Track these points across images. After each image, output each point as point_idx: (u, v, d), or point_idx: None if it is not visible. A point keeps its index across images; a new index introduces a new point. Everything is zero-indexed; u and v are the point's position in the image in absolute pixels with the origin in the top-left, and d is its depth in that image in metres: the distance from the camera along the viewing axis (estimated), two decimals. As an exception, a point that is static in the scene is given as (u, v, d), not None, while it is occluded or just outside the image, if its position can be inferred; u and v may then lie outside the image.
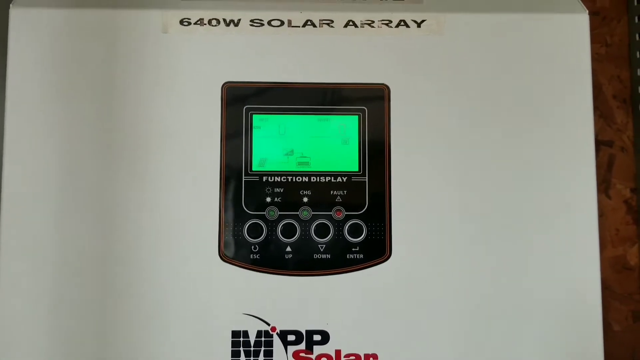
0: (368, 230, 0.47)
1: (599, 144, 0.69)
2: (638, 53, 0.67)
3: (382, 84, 0.48)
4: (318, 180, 0.47)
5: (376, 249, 0.47)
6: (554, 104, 0.49)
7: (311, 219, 0.47)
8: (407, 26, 0.49)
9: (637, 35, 0.68)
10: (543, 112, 0.49)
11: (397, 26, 0.49)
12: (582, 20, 0.50)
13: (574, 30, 0.50)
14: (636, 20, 0.68)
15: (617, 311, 0.67)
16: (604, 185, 0.68)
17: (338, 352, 0.46)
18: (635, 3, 0.68)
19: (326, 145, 0.48)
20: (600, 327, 0.49)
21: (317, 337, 0.46)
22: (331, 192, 0.47)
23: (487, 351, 0.46)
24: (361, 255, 0.47)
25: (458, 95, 0.49)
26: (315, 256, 0.47)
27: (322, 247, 0.47)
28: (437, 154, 0.48)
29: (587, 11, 0.50)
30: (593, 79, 0.69)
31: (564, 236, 0.48)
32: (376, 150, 0.48)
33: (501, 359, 0.46)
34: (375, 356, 0.46)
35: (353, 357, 0.46)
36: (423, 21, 0.49)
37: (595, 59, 0.69)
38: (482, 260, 0.47)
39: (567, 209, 0.48)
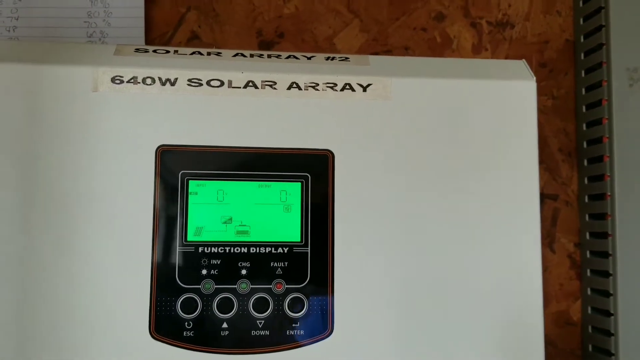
0: (310, 305, 0.46)
1: (544, 197, 0.70)
2: (584, 107, 0.68)
3: (326, 149, 0.47)
4: (258, 250, 0.46)
5: (318, 324, 0.45)
6: (501, 168, 0.49)
7: (250, 292, 0.45)
8: (353, 90, 0.48)
9: (583, 90, 0.69)
10: (490, 177, 0.48)
11: (342, 90, 0.48)
12: (529, 88, 0.50)
13: (521, 97, 0.50)
14: (583, 74, 0.69)
15: (561, 367, 0.67)
16: (548, 240, 0.69)
17: None
18: (582, 57, 0.69)
19: (267, 213, 0.46)
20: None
21: (254, 419, 0.44)
22: (271, 264, 0.46)
23: None
24: (302, 332, 0.45)
25: (404, 161, 0.48)
26: (254, 333, 0.45)
27: (260, 322, 0.45)
28: (383, 222, 0.47)
29: (535, 78, 0.51)
30: (539, 132, 0.70)
31: (510, 296, 0.48)
32: (319, 219, 0.46)
33: None
34: None
35: None
36: (369, 85, 0.48)
37: (542, 111, 0.70)
38: (432, 333, 0.46)
39: (513, 270, 0.48)
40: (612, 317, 0.62)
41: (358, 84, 0.48)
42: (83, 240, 0.44)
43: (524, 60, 0.53)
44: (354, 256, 0.46)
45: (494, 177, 0.49)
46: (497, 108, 0.49)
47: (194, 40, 0.67)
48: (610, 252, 0.62)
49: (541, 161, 0.69)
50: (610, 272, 0.62)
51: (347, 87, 0.48)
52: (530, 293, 0.48)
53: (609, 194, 0.63)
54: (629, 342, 0.61)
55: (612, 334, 0.62)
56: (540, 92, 0.71)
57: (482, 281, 0.47)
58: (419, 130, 0.48)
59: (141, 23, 0.62)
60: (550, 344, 0.67)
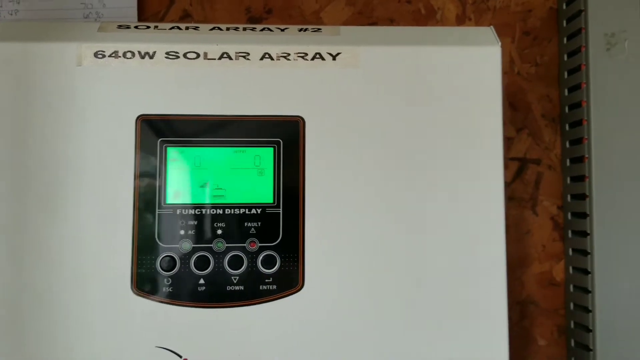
0: (282, 261, 0.47)
1: (527, 162, 0.70)
2: (566, 73, 0.68)
3: (298, 116, 0.48)
4: (232, 212, 0.47)
5: (289, 279, 0.47)
6: (467, 135, 0.49)
7: (225, 250, 0.47)
8: (323, 59, 0.49)
9: (565, 56, 0.68)
10: (456, 144, 0.49)
11: (312, 59, 0.49)
12: (494, 53, 0.50)
13: (486, 62, 0.50)
14: (565, 41, 0.68)
15: (543, 326, 0.68)
16: (531, 203, 0.69)
17: (250, 382, 0.46)
18: (565, 24, 0.69)
19: (241, 177, 0.48)
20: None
21: (229, 368, 0.46)
22: (245, 224, 0.47)
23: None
24: (274, 286, 0.47)
25: (373, 127, 0.49)
26: (229, 288, 0.47)
27: (235, 278, 0.47)
28: (352, 185, 0.48)
29: (500, 43, 0.51)
30: (522, 99, 0.70)
31: (471, 258, 0.48)
32: (291, 182, 0.48)
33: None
34: (287, 385, 0.46)
35: (265, 386, 0.46)
36: (338, 54, 0.49)
37: (526, 78, 0.70)
38: (396, 290, 0.47)
39: (476, 229, 0.48)
40: (590, 275, 0.62)
41: (328, 53, 0.49)
42: (70, 204, 0.46)
43: (491, 26, 0.53)
44: (324, 216, 0.48)
45: (460, 143, 0.49)
46: (462, 74, 0.49)
47: (186, 19, 0.69)
48: (588, 213, 0.62)
49: (524, 127, 0.70)
50: (588, 231, 0.62)
51: (318, 56, 0.49)
52: (494, 262, 0.49)
53: (587, 156, 0.63)
54: (605, 299, 0.61)
55: (590, 292, 0.62)
56: (524, 59, 0.70)
57: (448, 242, 0.48)
58: (387, 97, 0.49)
59: (134, 3, 0.64)
60: (533, 303, 0.68)
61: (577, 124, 0.65)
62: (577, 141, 0.65)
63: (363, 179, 0.48)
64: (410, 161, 0.49)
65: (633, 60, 0.63)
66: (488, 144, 0.49)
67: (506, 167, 0.69)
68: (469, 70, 0.49)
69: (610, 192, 0.62)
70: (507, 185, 0.69)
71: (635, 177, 0.61)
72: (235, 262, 0.47)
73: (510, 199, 0.69)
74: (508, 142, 0.69)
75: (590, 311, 0.62)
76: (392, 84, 0.49)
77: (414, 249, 0.48)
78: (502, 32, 0.70)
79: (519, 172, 0.69)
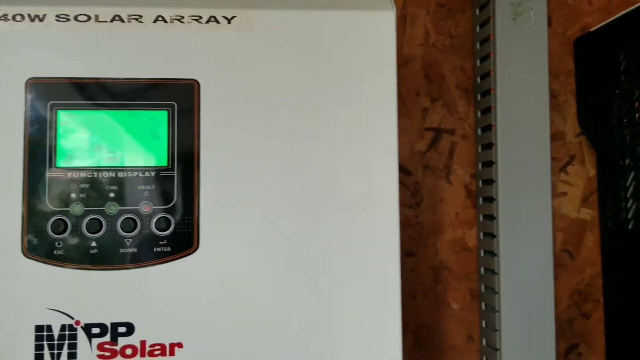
0: (176, 224, 0.47)
1: (442, 132, 0.70)
2: (478, 44, 0.69)
3: (192, 79, 0.48)
4: (126, 175, 0.47)
5: (184, 241, 0.47)
6: (362, 102, 0.49)
7: (118, 213, 0.46)
8: (218, 22, 0.48)
9: (477, 27, 0.69)
10: (350, 110, 0.49)
11: (207, 22, 0.48)
12: (388, 17, 0.50)
13: (381, 27, 0.50)
14: (477, 12, 0.69)
15: (456, 290, 0.69)
16: (445, 172, 0.70)
17: (143, 343, 0.46)
18: (478, -4, 0.69)
19: (135, 140, 0.47)
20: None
21: (122, 329, 0.45)
22: (139, 187, 0.47)
23: (297, 341, 0.47)
24: (168, 248, 0.47)
25: (267, 90, 0.48)
26: (122, 250, 0.46)
27: (128, 241, 0.46)
28: (247, 148, 0.48)
29: (395, 8, 0.51)
30: (437, 70, 0.71)
31: (366, 227, 0.49)
32: (185, 145, 0.47)
33: (313, 348, 0.47)
34: (180, 345, 0.46)
35: (158, 347, 0.46)
36: (233, 17, 0.49)
37: (440, 50, 0.71)
38: (290, 253, 0.47)
39: (370, 198, 0.49)
40: (495, 239, 0.63)
41: (223, 16, 0.49)
42: (-44, 168, 0.45)
43: (389, -9, 0.53)
44: (219, 179, 0.47)
45: (354, 109, 0.49)
46: (357, 39, 0.49)
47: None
48: (494, 179, 0.63)
49: (439, 97, 0.70)
50: (494, 197, 0.64)
51: (212, 19, 0.48)
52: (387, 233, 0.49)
53: (494, 124, 0.64)
54: (508, 262, 0.62)
55: (495, 255, 0.63)
56: (439, 31, 0.71)
57: (343, 205, 0.48)
58: (282, 60, 0.49)
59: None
60: (447, 269, 0.69)
61: (487, 93, 0.66)
62: (487, 110, 0.66)
63: (259, 142, 0.48)
64: (306, 125, 0.49)
65: (538, 29, 0.64)
66: (382, 111, 0.49)
67: (421, 137, 0.70)
68: (363, 35, 0.49)
69: (515, 159, 0.63)
70: (422, 154, 0.70)
71: (538, 142, 0.63)
72: (128, 225, 0.46)
73: (425, 168, 0.69)
74: (423, 112, 0.70)
75: (496, 274, 0.63)
76: (286, 48, 0.49)
77: (310, 211, 0.48)
78: (417, 4, 0.70)
79: (433, 142, 0.70)
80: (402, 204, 0.68)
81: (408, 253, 0.68)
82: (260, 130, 0.48)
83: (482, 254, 0.67)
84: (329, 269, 0.48)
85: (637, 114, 0.61)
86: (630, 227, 0.62)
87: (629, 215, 0.62)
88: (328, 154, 0.48)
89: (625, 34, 0.61)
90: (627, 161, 0.63)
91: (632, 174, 0.62)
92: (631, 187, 0.62)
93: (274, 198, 0.47)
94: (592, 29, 0.68)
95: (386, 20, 0.50)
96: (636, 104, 0.60)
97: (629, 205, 0.62)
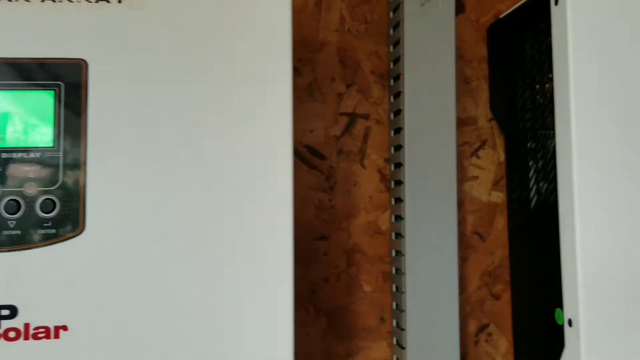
0: (61, 206, 0.46)
1: (356, 117, 0.71)
2: (391, 30, 0.69)
3: (80, 59, 0.47)
4: (10, 156, 0.46)
5: (69, 223, 0.46)
6: (255, 81, 0.49)
7: (0, 195, 0.45)
8: (108, 1, 0.48)
9: (391, 13, 0.69)
10: (244, 90, 0.49)
11: (97, 1, 0.48)
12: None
13: (276, 7, 0.50)
14: (391, -2, 0.69)
15: (369, 273, 0.69)
16: (359, 156, 0.70)
17: (27, 325, 0.45)
18: (392, -18, 0.70)
19: (20, 120, 0.46)
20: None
21: (5, 312, 0.45)
22: (23, 168, 0.46)
23: (186, 323, 0.47)
24: (54, 230, 0.46)
25: (160, 71, 0.48)
26: (5, 232, 0.45)
27: (12, 223, 0.45)
28: (138, 130, 0.47)
29: (291, -10, 0.51)
30: (352, 56, 0.71)
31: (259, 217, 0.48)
32: (72, 126, 0.47)
33: (204, 330, 0.47)
34: (65, 327, 0.45)
35: (42, 329, 0.45)
36: (124, -3, 0.48)
37: (356, 35, 0.71)
38: (179, 232, 0.47)
39: (263, 178, 0.49)
40: (403, 221, 0.64)
41: (113, -4, 0.48)
42: None
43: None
44: (106, 161, 0.47)
45: (248, 88, 0.49)
46: (250, 18, 0.49)
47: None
48: (402, 162, 0.64)
49: (354, 83, 0.71)
50: (402, 180, 0.64)
51: (102, -1, 0.48)
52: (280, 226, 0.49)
53: (402, 108, 0.64)
54: (414, 243, 0.63)
55: (403, 236, 0.64)
56: (354, 17, 0.71)
57: (234, 183, 0.48)
58: (173, 40, 0.48)
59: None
60: (360, 252, 0.70)
61: (398, 78, 0.67)
62: (398, 95, 0.67)
63: (150, 123, 0.47)
64: (199, 105, 0.48)
65: (446, 15, 0.64)
66: (277, 91, 0.49)
67: (336, 122, 0.70)
68: (257, 16, 0.49)
69: (421, 142, 0.63)
70: (337, 139, 0.70)
71: (444, 126, 0.63)
72: (12, 207, 0.45)
73: (339, 152, 0.70)
74: (338, 97, 0.70)
75: (403, 255, 0.64)
76: (177, 27, 0.48)
77: (201, 192, 0.48)
78: (333, -11, 0.70)
79: (348, 126, 0.70)
80: (316, 188, 0.69)
81: (321, 237, 0.68)
82: (150, 111, 0.47)
83: (393, 236, 0.68)
84: (220, 251, 0.48)
85: (539, 98, 0.62)
86: (531, 207, 0.63)
87: (531, 196, 0.63)
88: (221, 133, 0.48)
89: (529, 19, 0.62)
90: (530, 144, 0.64)
91: (534, 157, 0.63)
92: (533, 170, 0.63)
93: (163, 179, 0.47)
94: (501, 16, 0.69)
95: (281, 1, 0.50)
96: (537, 87, 0.61)
97: (531, 185, 0.64)
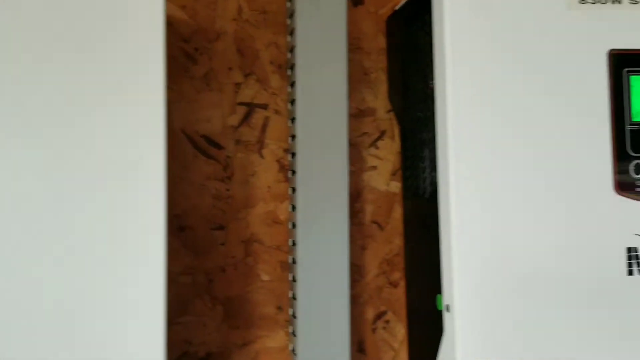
0: None
1: (255, 107, 0.71)
2: (288, 20, 0.69)
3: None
4: None
5: None
6: (127, 73, 0.49)
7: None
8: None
9: (288, 2, 0.69)
10: (115, 77, 0.49)
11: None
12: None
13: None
14: (287, -12, 0.69)
15: (267, 262, 0.70)
16: (258, 146, 0.70)
17: None
18: (290, -28, 0.70)
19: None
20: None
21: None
22: None
23: (45, 319, 0.46)
24: None
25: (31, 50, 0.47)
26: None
27: None
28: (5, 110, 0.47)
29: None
30: (250, 45, 0.71)
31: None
32: None
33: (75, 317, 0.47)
34: None
35: None
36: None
37: (254, 25, 0.70)
38: (47, 220, 0.47)
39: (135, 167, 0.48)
40: (295, 210, 0.64)
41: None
42: None
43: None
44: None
45: (119, 75, 0.49)
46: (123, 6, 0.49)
47: None
48: (295, 152, 0.64)
49: (252, 72, 0.70)
50: (294, 170, 0.65)
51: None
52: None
53: (295, 99, 0.65)
54: (305, 233, 0.63)
55: (295, 226, 0.64)
56: (252, 6, 0.71)
57: (104, 168, 0.48)
58: (45, 27, 0.47)
59: None
60: (257, 241, 0.70)
61: (292, 67, 0.67)
62: (293, 84, 0.67)
63: (19, 104, 0.47)
64: (70, 87, 0.48)
65: (338, 5, 0.65)
66: (149, 80, 0.49)
67: (233, 112, 0.70)
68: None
69: (313, 132, 0.64)
70: (234, 129, 0.70)
71: (335, 116, 0.64)
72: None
73: (237, 142, 0.69)
74: (236, 87, 0.70)
75: (295, 244, 0.64)
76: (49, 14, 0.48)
77: (71, 178, 0.47)
78: (231, -21, 0.70)
79: (246, 116, 0.70)
80: (213, 177, 0.68)
81: (218, 226, 0.68)
82: (22, 90, 0.47)
83: (290, 226, 0.68)
84: (89, 239, 0.47)
85: (429, 88, 0.63)
86: (426, 196, 0.64)
87: (424, 185, 0.64)
88: (89, 118, 0.48)
89: (419, 11, 0.63)
90: (423, 135, 0.65)
91: (427, 147, 0.64)
92: (427, 160, 0.64)
93: (33, 167, 0.46)
94: (396, 7, 0.69)
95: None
96: (428, 78, 0.62)
97: (424, 175, 0.65)
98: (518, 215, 0.56)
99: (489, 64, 0.56)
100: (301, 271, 0.63)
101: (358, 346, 0.71)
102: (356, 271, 0.71)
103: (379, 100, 0.73)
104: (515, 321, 0.55)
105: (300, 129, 0.63)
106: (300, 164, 0.63)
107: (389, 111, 0.72)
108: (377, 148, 0.73)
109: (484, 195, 0.55)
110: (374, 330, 0.71)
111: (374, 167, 0.72)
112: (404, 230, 0.71)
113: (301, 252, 0.63)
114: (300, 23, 0.63)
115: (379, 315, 0.72)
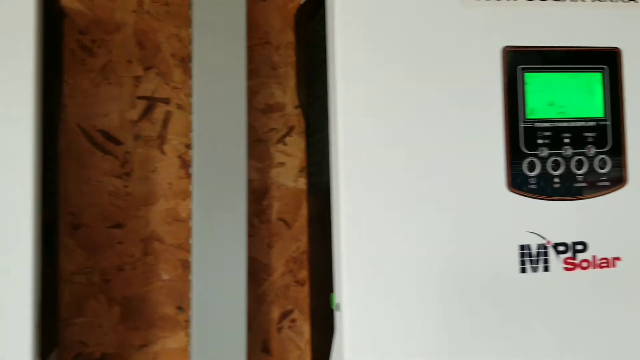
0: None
1: (156, 101, 0.68)
2: (190, 13, 0.67)
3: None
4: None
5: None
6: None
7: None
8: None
9: (191, -5, 0.68)
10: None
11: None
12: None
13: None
14: (192, -20, 0.68)
15: (167, 261, 0.68)
16: (158, 141, 0.68)
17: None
18: (191, -37, 0.68)
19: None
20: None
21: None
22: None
23: None
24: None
25: None
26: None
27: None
28: None
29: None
30: (151, 38, 0.69)
31: None
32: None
33: None
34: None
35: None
36: None
37: (155, 17, 0.68)
38: None
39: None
40: (192, 207, 0.63)
41: None
42: None
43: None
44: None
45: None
46: None
47: None
48: (192, 148, 0.63)
49: (153, 66, 0.68)
50: (192, 166, 0.63)
51: None
52: None
53: (192, 93, 0.63)
54: (203, 230, 0.62)
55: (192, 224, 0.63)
56: (155, -1, 0.69)
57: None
58: None
59: None
60: (158, 240, 0.67)
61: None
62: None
63: None
64: None
65: (236, -1, 0.63)
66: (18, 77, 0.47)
67: (133, 106, 0.67)
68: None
69: (210, 127, 0.62)
70: (134, 124, 0.67)
71: (233, 112, 0.62)
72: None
73: (137, 137, 0.67)
74: (135, 80, 0.68)
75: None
76: None
77: None
78: (131, -31, 0.68)
79: (146, 111, 0.68)
80: (111, 174, 0.66)
81: (115, 225, 0.66)
82: None
83: (192, 224, 0.66)
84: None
85: (325, 84, 0.62)
86: (324, 194, 0.63)
87: (323, 182, 0.63)
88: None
89: (317, 5, 0.62)
90: (326, 131, 0.64)
91: (325, 143, 0.63)
92: (329, 156, 0.63)
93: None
94: (302, 2, 0.68)
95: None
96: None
97: (328, 171, 0.64)
98: (409, 213, 0.55)
99: (381, 61, 0.55)
100: (197, 270, 0.61)
101: (263, 346, 0.69)
102: (262, 269, 0.70)
103: (288, 96, 0.71)
104: (406, 320, 0.54)
105: (197, 124, 0.61)
106: (197, 159, 0.61)
107: (297, 107, 0.71)
108: (285, 144, 0.71)
109: (374, 193, 0.54)
110: (279, 329, 0.70)
111: (282, 164, 0.71)
112: (307, 228, 0.69)
113: (197, 251, 0.61)
114: (198, 14, 0.61)
115: (285, 315, 0.70)
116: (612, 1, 0.58)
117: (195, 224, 0.61)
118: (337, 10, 0.55)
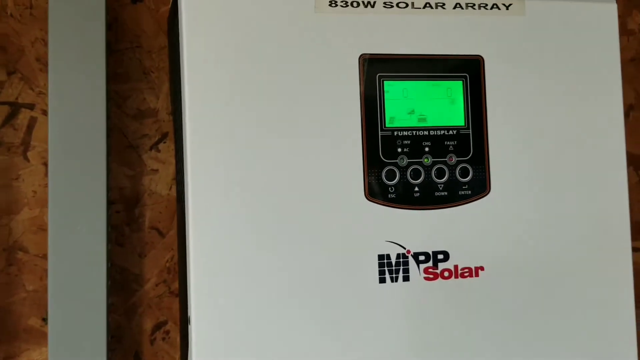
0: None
1: (19, 106, 0.66)
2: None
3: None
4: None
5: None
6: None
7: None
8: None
9: (55, -2, 0.66)
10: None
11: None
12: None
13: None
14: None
15: (31, 272, 0.65)
16: (22, 148, 0.66)
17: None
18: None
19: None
20: None
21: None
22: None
23: None
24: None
25: None
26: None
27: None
28: None
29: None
30: (15, 42, 0.66)
31: None
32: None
33: None
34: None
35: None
36: None
37: (19, 20, 0.66)
38: None
39: None
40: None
41: None
42: None
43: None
44: None
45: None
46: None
47: None
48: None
49: (16, 70, 0.66)
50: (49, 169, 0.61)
51: None
52: None
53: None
54: (59, 241, 0.60)
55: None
56: (17, 1, 0.66)
57: None
58: None
59: None
60: (22, 249, 0.65)
61: (54, 66, 0.63)
62: (54, 84, 0.63)
63: None
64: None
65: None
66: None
67: (-6, 111, 0.65)
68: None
69: (67, 133, 0.60)
70: (-5, 130, 0.65)
71: (93, 116, 0.61)
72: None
73: (-1, 144, 0.65)
74: (-3, 85, 0.66)
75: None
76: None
77: None
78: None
79: (9, 117, 0.66)
80: (-31, 182, 0.64)
81: (-26, 235, 0.64)
82: None
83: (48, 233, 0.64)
84: None
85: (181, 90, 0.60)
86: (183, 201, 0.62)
87: (183, 189, 0.62)
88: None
89: (175, 8, 0.61)
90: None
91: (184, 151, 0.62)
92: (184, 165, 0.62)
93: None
94: (170, 5, 0.67)
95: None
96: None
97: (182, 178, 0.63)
98: (263, 223, 0.54)
99: (230, 70, 0.54)
100: (53, 281, 0.59)
101: (135, 358, 0.68)
102: (134, 280, 0.68)
103: (161, 101, 0.70)
104: (257, 333, 0.54)
105: (52, 130, 0.59)
106: (53, 167, 0.59)
107: (170, 112, 0.70)
108: (158, 151, 0.70)
109: (225, 203, 0.53)
110: (152, 341, 0.69)
111: (155, 171, 0.69)
112: (177, 237, 0.68)
113: (53, 261, 0.59)
114: (53, 16, 0.59)
115: (159, 326, 0.69)
116: (475, 9, 0.59)
117: (51, 236, 0.59)
118: (184, 13, 0.54)
